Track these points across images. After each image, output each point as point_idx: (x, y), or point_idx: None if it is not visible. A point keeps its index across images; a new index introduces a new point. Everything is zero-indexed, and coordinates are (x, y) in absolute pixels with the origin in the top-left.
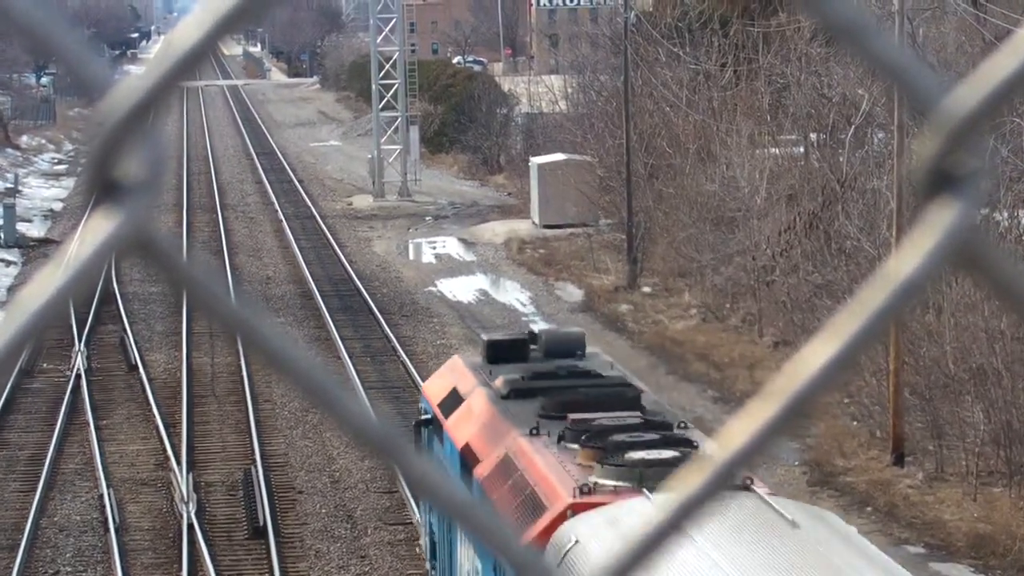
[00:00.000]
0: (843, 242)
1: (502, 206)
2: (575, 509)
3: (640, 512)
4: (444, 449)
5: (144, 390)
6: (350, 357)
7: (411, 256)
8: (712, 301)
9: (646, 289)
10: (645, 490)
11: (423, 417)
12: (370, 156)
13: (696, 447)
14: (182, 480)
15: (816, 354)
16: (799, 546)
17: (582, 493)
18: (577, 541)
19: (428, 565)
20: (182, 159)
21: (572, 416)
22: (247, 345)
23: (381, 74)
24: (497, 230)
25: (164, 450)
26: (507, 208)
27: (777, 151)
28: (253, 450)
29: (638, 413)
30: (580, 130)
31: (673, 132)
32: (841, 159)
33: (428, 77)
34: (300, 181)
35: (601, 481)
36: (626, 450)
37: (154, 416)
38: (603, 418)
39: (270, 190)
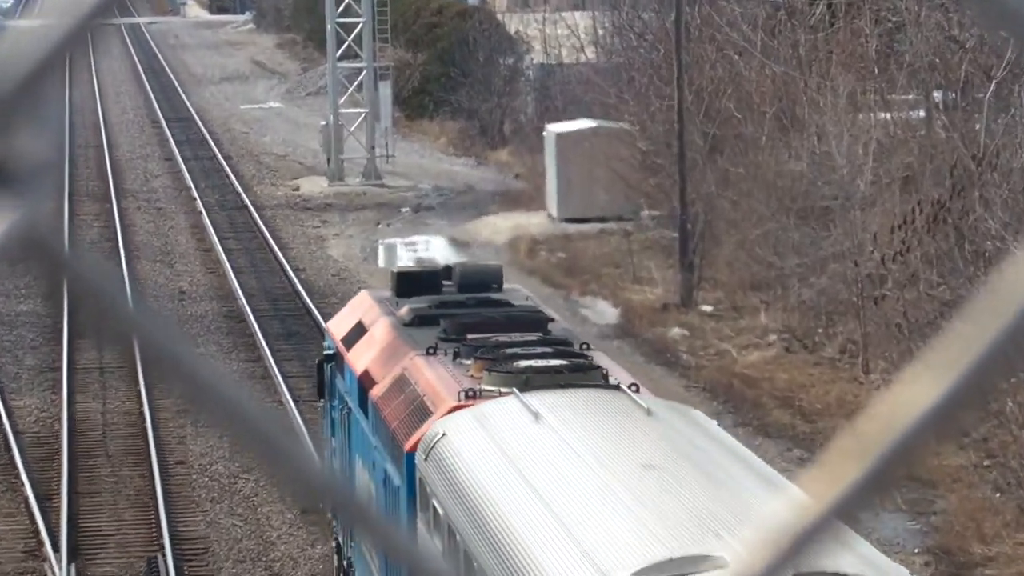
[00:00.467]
0: (981, 242)
1: (507, 193)
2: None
3: (508, 410)
4: (345, 381)
5: (8, 448)
6: (295, 401)
7: (381, 262)
8: (798, 324)
9: (706, 307)
10: (516, 389)
11: (326, 353)
12: (324, 124)
13: (590, 361)
14: (61, 573)
15: (921, 392)
16: (653, 433)
17: (466, 397)
18: (444, 434)
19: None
20: (62, 128)
21: (471, 336)
22: (159, 378)
23: (340, 8)
24: (500, 226)
25: (36, 532)
26: (513, 195)
27: (888, 116)
28: (160, 532)
29: (539, 334)
30: (615, 87)
31: (743, 90)
32: (977, 127)
33: (405, 14)
34: (227, 158)
35: (487, 387)
36: (516, 360)
37: (22, 484)
38: (502, 337)
39: (185, 170)
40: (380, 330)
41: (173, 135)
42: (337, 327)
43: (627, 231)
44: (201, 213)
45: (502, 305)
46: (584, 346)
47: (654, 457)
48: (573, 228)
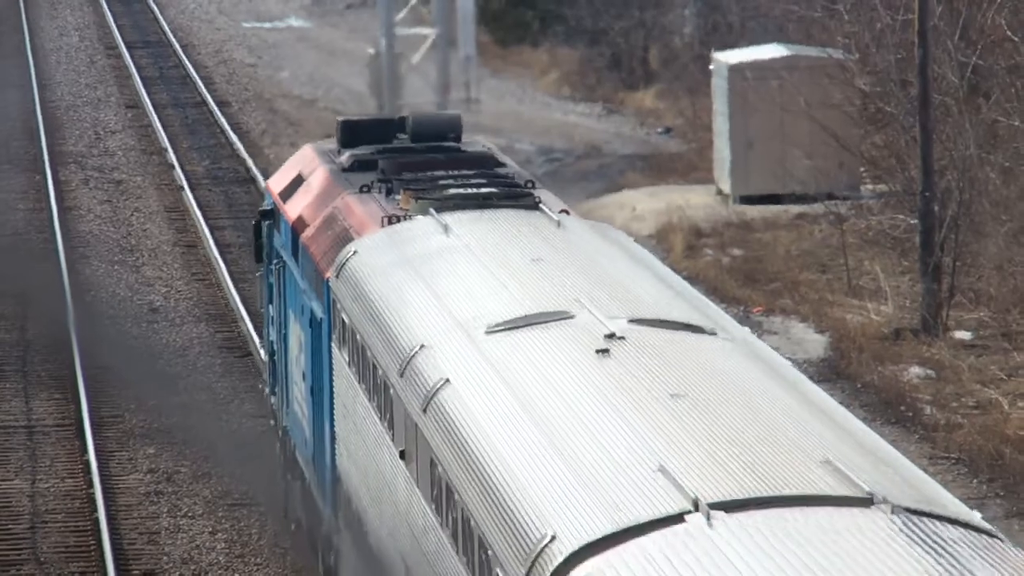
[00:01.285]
0: None
1: (653, 157)
2: None
3: (421, 226)
4: (280, 235)
5: None
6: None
7: None
8: None
9: (963, 334)
10: (432, 210)
11: (262, 210)
12: (372, 52)
13: (531, 192)
14: None
15: None
16: (555, 239)
17: (389, 223)
18: (355, 252)
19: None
20: None
21: (408, 175)
22: None
23: None
24: (643, 208)
25: None
26: (664, 161)
27: None
28: None
29: (482, 172)
30: None
31: None
32: None
33: None
34: (222, 104)
35: (413, 215)
36: (445, 189)
37: None
38: (439, 173)
39: (157, 123)
40: (317, 178)
41: (140, 69)
42: (276, 183)
43: (839, 216)
44: (183, 189)
45: (450, 150)
46: (529, 184)
47: (544, 254)
48: (755, 211)
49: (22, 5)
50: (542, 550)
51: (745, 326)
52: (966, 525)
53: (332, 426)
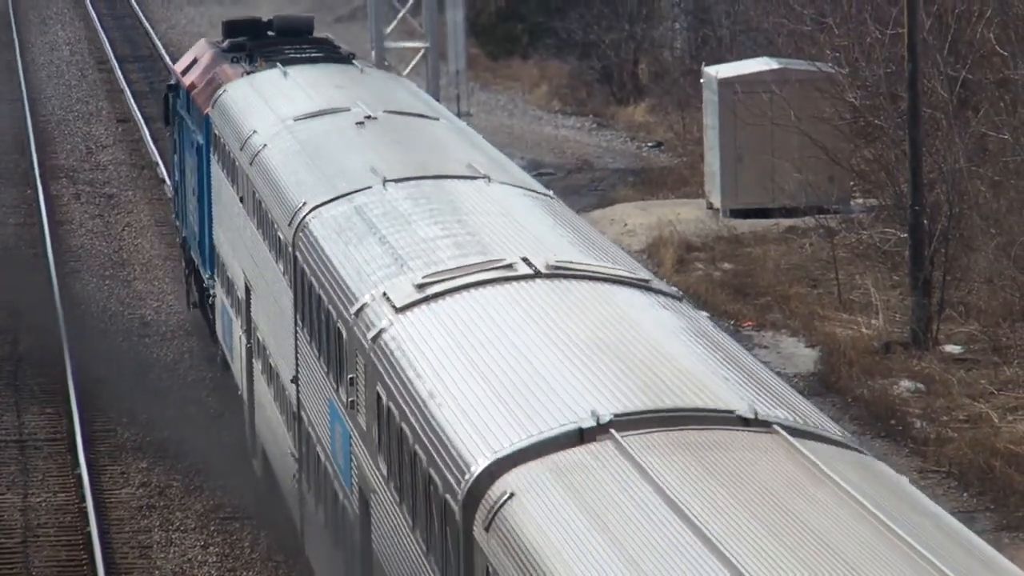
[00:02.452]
0: None
1: (643, 171)
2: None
3: (268, 76)
4: (180, 99)
5: None
6: None
7: None
8: None
9: (953, 348)
10: (279, 64)
11: (169, 84)
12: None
13: (349, 55)
14: None
15: None
16: (359, 79)
17: (247, 74)
18: (225, 91)
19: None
20: None
21: (265, 50)
22: None
23: None
24: (634, 222)
25: None
26: (654, 175)
27: None
28: None
29: (316, 48)
30: (811, 7)
31: (1013, 11)
32: None
33: None
34: None
35: (265, 69)
36: (286, 55)
37: None
38: (287, 48)
39: (148, 138)
40: (205, 57)
41: (131, 83)
42: (179, 65)
43: (829, 229)
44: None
45: (303, 40)
46: (351, 54)
47: (345, 84)
48: (746, 225)
49: (13, 20)
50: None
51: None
52: (839, 443)
53: (210, 213)
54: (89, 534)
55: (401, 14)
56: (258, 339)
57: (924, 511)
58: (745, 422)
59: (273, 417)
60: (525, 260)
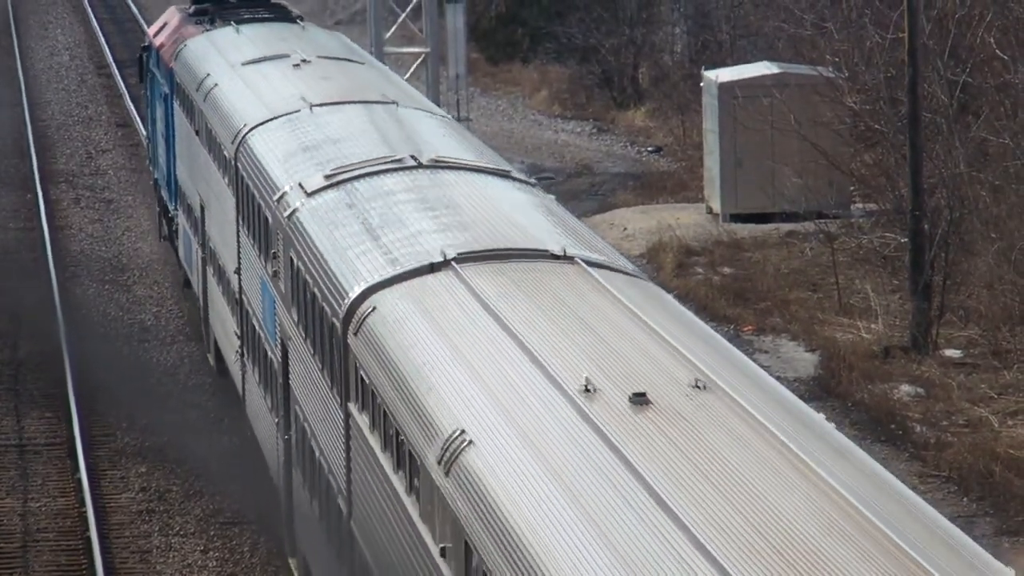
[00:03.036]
0: None
1: (643, 175)
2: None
3: (224, 33)
4: (151, 58)
5: None
6: None
7: None
8: None
9: (952, 352)
10: (233, 22)
11: (143, 45)
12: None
13: (298, 18)
14: None
15: None
16: (302, 36)
17: (206, 31)
18: (186, 46)
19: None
20: None
21: (224, 13)
22: None
23: None
24: (634, 227)
25: None
26: (654, 180)
27: None
28: None
29: (272, 14)
30: (811, 12)
31: (1012, 15)
32: None
33: None
34: None
35: (222, 27)
36: (240, 16)
37: None
38: (244, 11)
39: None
40: (174, 22)
41: (130, 88)
42: (151, 30)
43: (829, 234)
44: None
45: (263, 8)
46: (299, 17)
47: (287, 38)
48: (745, 230)
49: (13, 25)
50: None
51: (731, 342)
52: (626, 272)
53: (175, 153)
54: (89, 539)
55: (401, 18)
56: (210, 248)
57: (679, 317)
58: (555, 257)
59: (221, 308)
60: (412, 156)
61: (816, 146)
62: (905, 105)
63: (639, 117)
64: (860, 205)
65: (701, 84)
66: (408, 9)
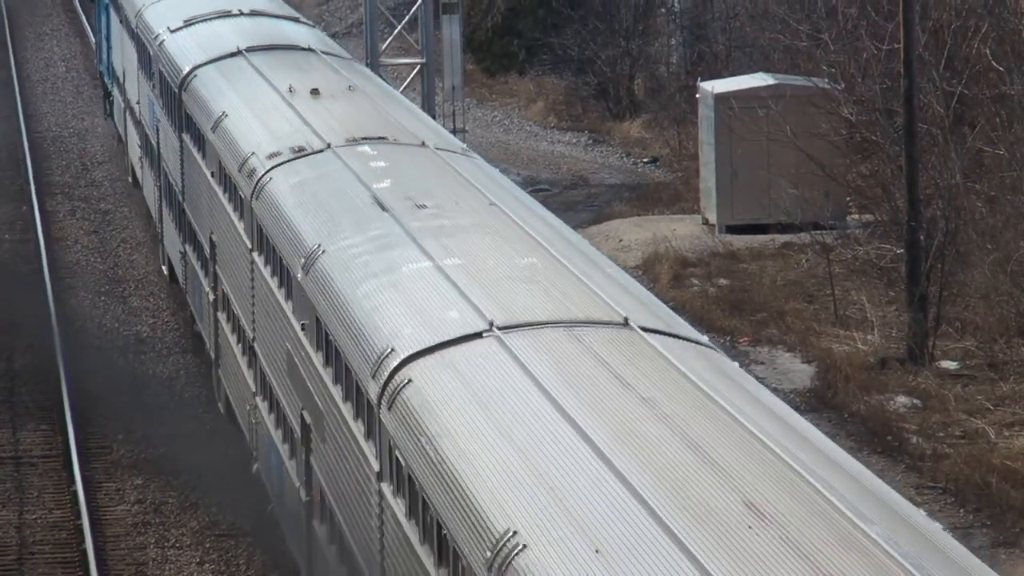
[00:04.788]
0: None
1: (639, 186)
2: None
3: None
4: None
5: None
6: None
7: None
8: None
9: (949, 363)
10: None
11: None
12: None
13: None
14: None
15: None
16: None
17: None
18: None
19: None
20: None
21: None
22: None
23: None
24: (630, 238)
25: None
26: (650, 191)
27: None
28: None
29: None
30: (806, 23)
31: (1008, 27)
32: None
33: None
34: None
35: None
36: None
37: None
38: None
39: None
40: None
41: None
42: None
43: (825, 246)
44: None
45: None
46: None
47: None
48: (741, 241)
49: (8, 36)
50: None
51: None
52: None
53: (110, 47)
54: (85, 551)
55: (397, 30)
56: (135, 114)
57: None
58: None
59: (153, 197)
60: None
61: (812, 157)
62: (901, 116)
63: (635, 128)
64: (856, 216)
65: (697, 95)
66: (404, 21)
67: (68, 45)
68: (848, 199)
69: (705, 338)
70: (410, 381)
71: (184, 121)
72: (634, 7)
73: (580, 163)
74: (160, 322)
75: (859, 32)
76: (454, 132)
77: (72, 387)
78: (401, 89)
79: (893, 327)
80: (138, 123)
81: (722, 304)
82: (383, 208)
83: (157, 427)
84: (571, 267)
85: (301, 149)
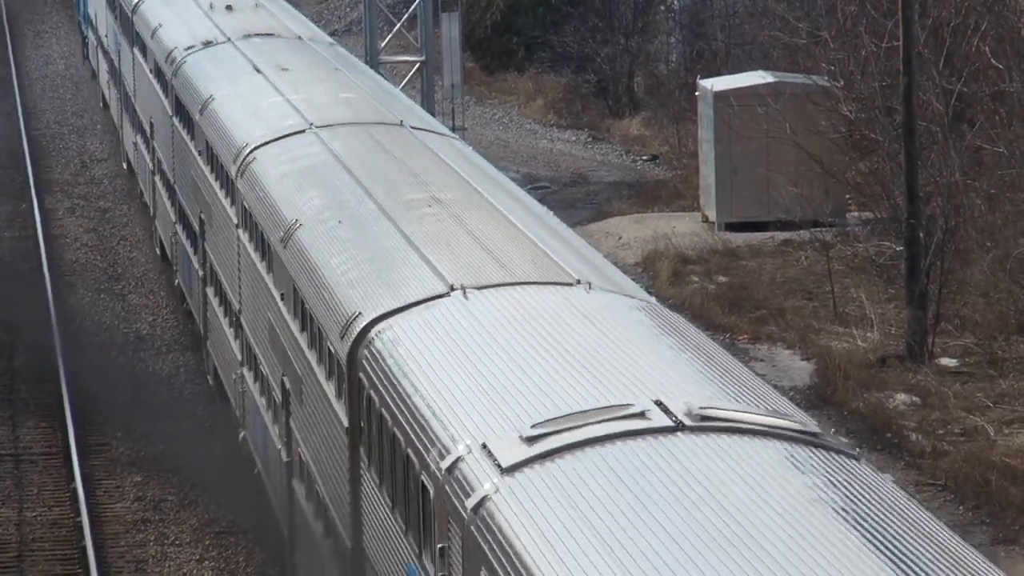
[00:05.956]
0: None
1: (638, 184)
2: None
3: None
4: None
5: None
6: None
7: None
8: None
9: (948, 361)
10: None
11: None
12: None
13: None
14: None
15: None
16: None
17: None
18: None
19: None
20: None
21: None
22: None
23: None
24: (629, 236)
25: None
26: (649, 189)
27: None
28: None
29: None
30: (805, 21)
31: (1008, 24)
32: None
33: None
34: None
35: None
36: None
37: None
38: None
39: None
40: None
41: None
42: None
43: (824, 243)
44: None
45: None
46: None
47: None
48: (741, 239)
49: (8, 33)
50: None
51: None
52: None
53: (87, 9)
54: (84, 548)
55: (396, 28)
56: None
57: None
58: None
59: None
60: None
61: (811, 155)
62: (900, 114)
63: (634, 126)
64: (856, 214)
65: (696, 93)
66: (404, 19)
67: (67, 43)
68: (847, 196)
69: (447, 130)
70: None
71: (135, 38)
72: (634, 5)
73: (579, 161)
74: (159, 320)
75: (858, 30)
76: (453, 130)
77: (72, 385)
78: (400, 87)
79: (892, 324)
80: (106, 53)
81: (721, 301)
82: (257, 71)
83: (157, 424)
84: None
85: (209, 43)
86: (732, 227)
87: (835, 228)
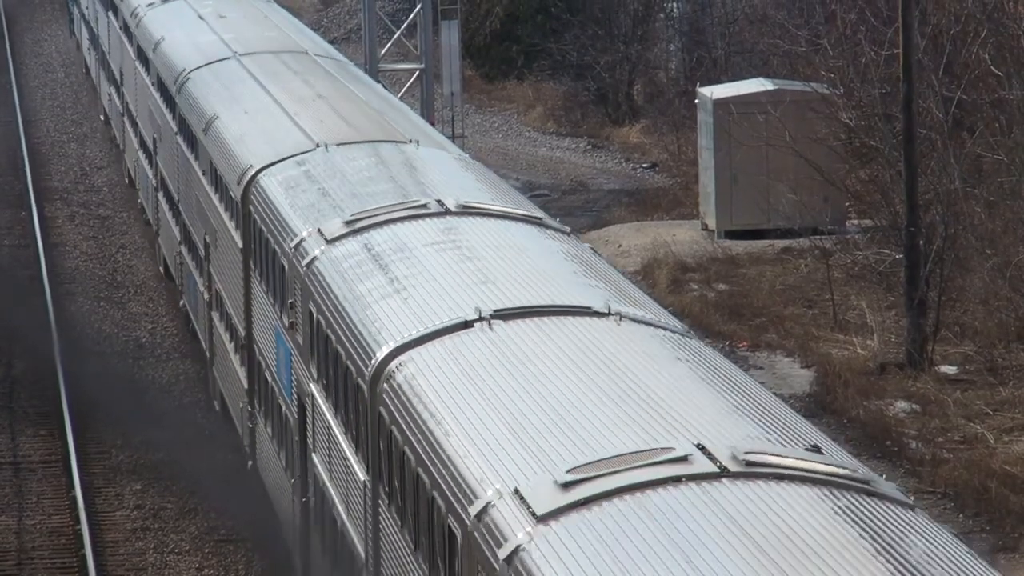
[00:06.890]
0: None
1: (638, 192)
2: None
3: None
4: None
5: None
6: None
7: None
8: None
9: (948, 368)
10: None
11: None
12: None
13: None
14: None
15: None
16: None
17: None
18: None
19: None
20: None
21: None
22: None
23: None
24: (629, 243)
25: None
26: (649, 196)
27: None
28: None
29: None
30: (805, 28)
31: (1007, 32)
32: None
33: None
34: None
35: None
36: None
37: None
38: None
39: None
40: None
41: None
42: None
43: (824, 251)
44: None
45: None
46: None
47: None
48: (740, 246)
49: (8, 42)
50: None
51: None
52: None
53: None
54: (84, 557)
55: (396, 36)
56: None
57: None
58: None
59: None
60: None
61: (811, 162)
62: (900, 121)
63: (634, 134)
64: (855, 221)
65: (696, 101)
66: (403, 27)
67: (67, 51)
68: (847, 204)
69: (345, 58)
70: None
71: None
72: (633, 12)
73: (579, 168)
74: (159, 328)
75: (858, 37)
76: (452, 138)
77: (71, 393)
78: (400, 95)
79: (892, 332)
80: (87, 23)
81: (721, 309)
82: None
83: (156, 432)
84: None
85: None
86: (732, 235)
87: (835, 236)
